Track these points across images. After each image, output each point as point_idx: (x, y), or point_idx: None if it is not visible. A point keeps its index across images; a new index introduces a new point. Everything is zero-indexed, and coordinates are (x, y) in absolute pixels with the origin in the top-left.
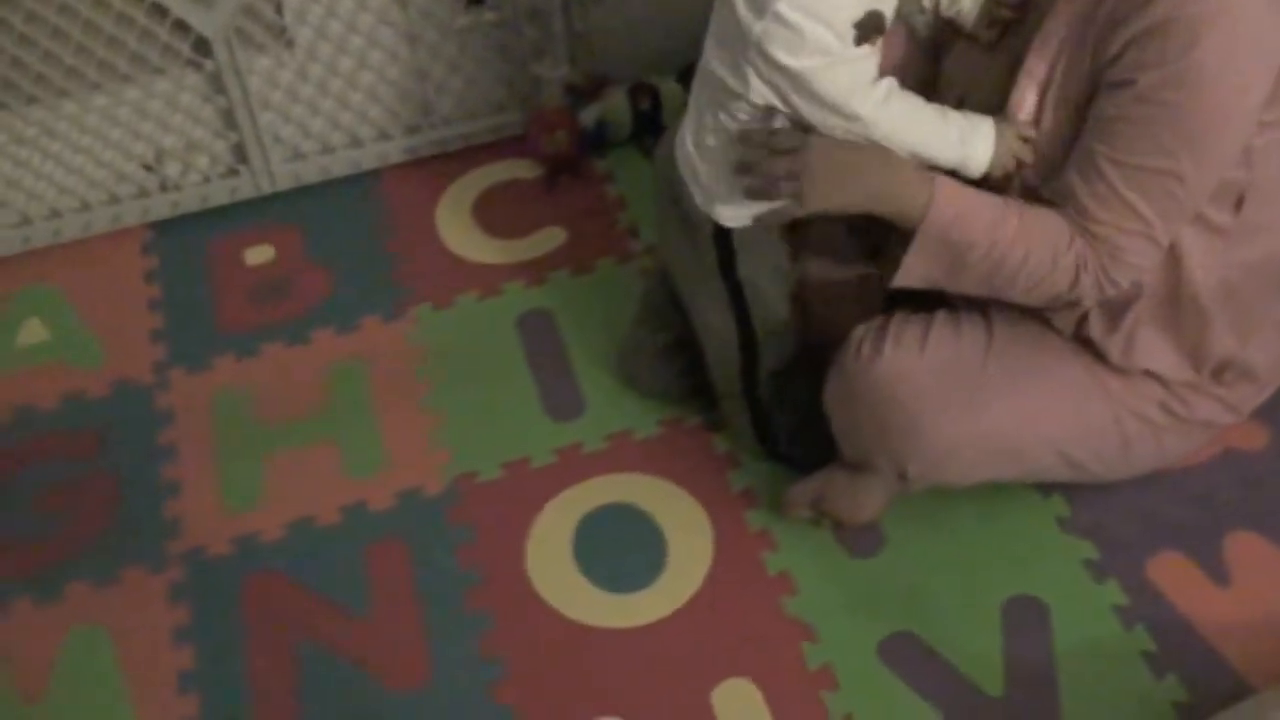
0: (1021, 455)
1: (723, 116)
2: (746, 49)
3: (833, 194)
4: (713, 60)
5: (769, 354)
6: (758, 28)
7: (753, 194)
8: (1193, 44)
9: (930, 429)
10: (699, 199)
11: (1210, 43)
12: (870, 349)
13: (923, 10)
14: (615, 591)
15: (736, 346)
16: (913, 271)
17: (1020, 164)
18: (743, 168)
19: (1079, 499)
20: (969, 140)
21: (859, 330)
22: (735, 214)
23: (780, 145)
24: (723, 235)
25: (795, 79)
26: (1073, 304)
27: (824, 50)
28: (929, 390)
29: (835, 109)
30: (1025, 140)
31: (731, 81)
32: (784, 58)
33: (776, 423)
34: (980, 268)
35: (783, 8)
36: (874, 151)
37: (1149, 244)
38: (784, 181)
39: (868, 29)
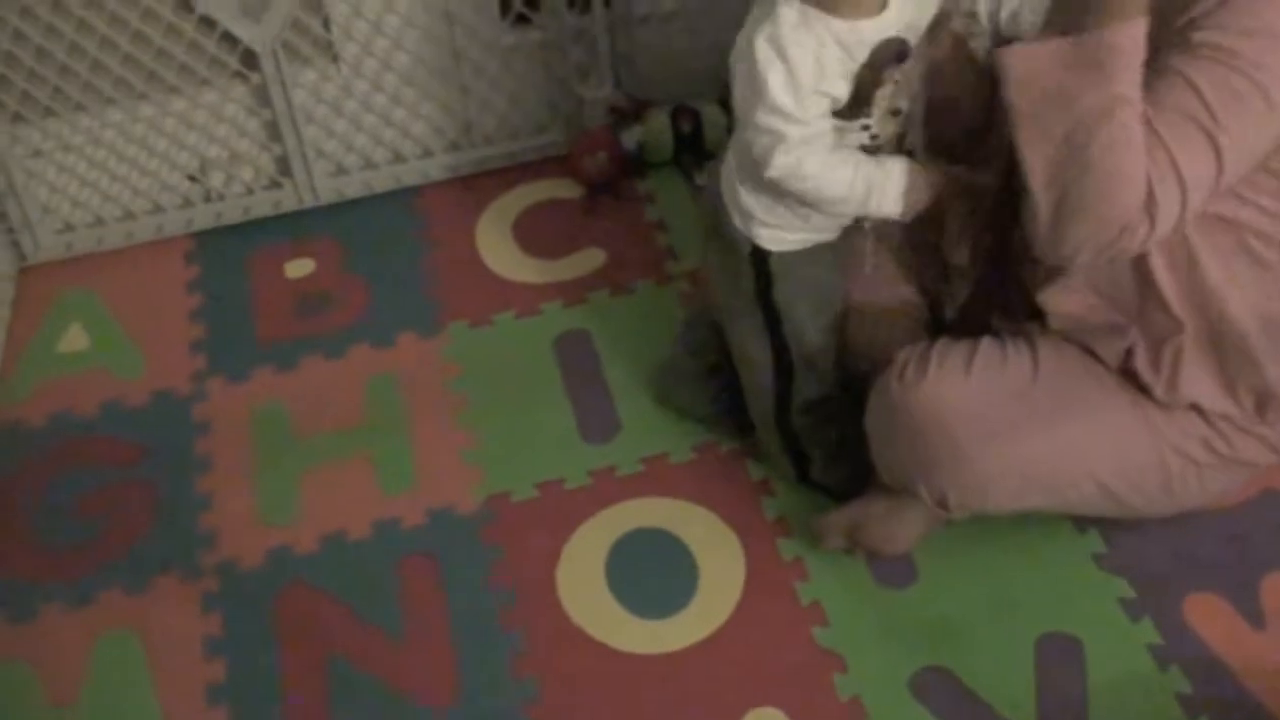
0: (1063, 486)
1: None
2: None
3: None
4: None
5: (805, 384)
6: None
7: None
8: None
9: (972, 455)
10: (738, 221)
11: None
12: (914, 372)
13: (981, 32)
14: (646, 616)
15: (772, 375)
16: (1044, 60)
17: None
18: None
19: (1115, 536)
20: (875, 193)
21: (903, 353)
22: (773, 236)
23: None
24: (761, 260)
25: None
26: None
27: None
28: (973, 415)
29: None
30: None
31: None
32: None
33: (811, 452)
34: (1094, 102)
35: (758, 41)
36: None
37: (1175, 204)
38: None
39: (885, 58)
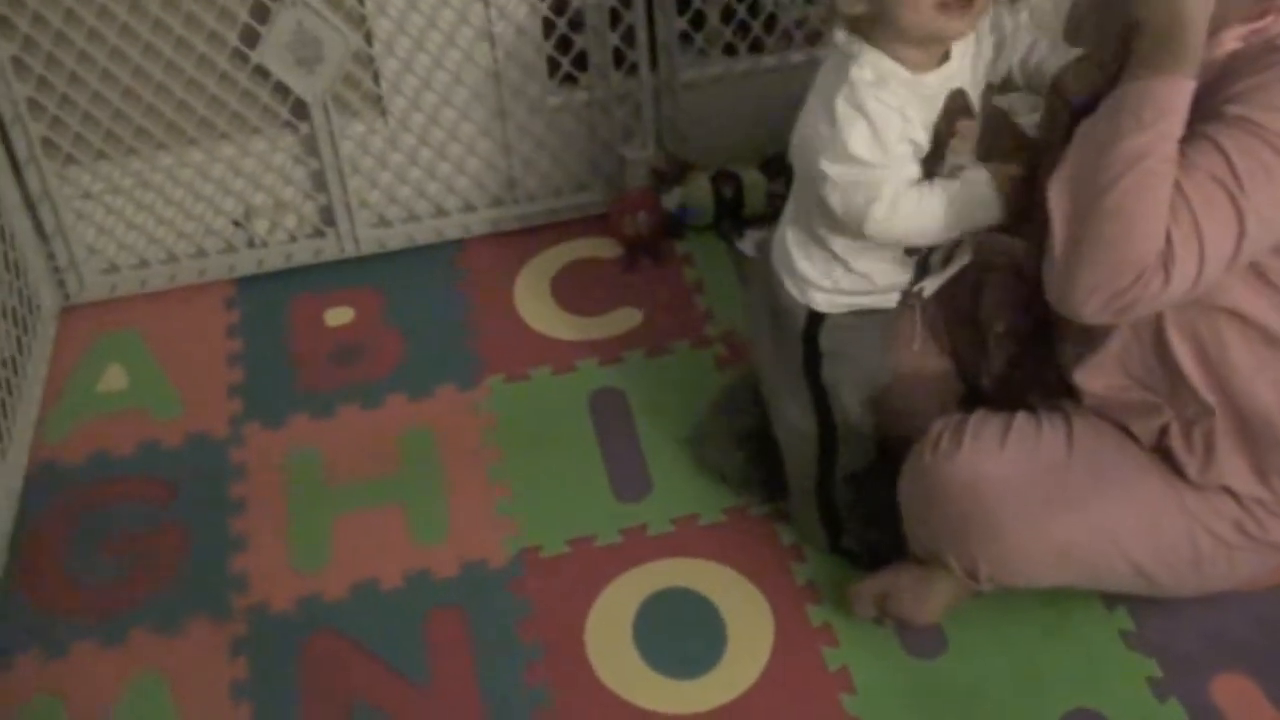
0: (1094, 562)
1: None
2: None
3: None
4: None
5: (848, 457)
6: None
7: None
8: None
9: (1005, 529)
10: (792, 289)
11: None
12: (949, 444)
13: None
14: (673, 677)
15: (815, 447)
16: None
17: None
18: None
19: (1145, 614)
20: (972, 208)
21: (937, 424)
22: (829, 300)
23: None
24: (811, 338)
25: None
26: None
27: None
28: (1006, 489)
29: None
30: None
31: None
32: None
33: (846, 522)
34: (1129, 145)
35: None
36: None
37: (1193, 266)
38: None
39: (956, 110)
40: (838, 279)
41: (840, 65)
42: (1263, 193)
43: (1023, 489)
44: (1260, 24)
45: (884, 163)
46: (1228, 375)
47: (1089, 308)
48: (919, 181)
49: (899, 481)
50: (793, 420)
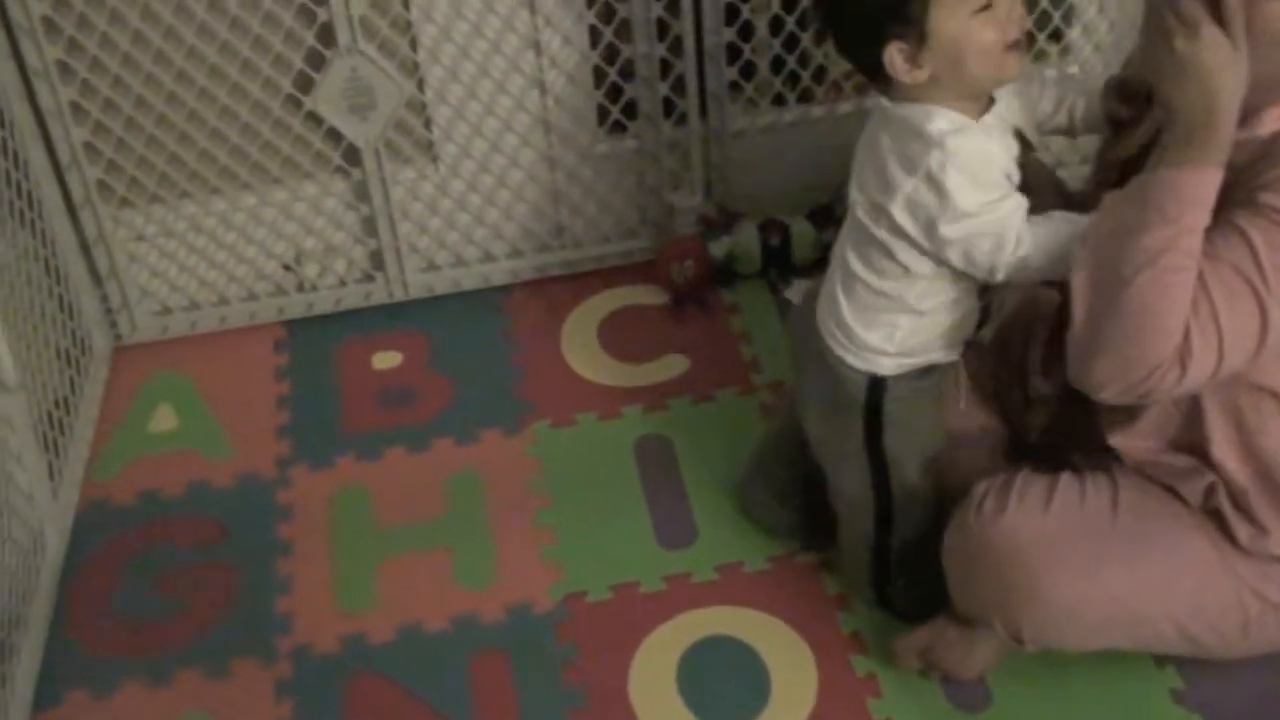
0: (1139, 625)
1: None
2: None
3: (1183, 74)
4: (863, 217)
5: (905, 526)
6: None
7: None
8: None
9: (1049, 592)
10: (853, 360)
11: None
12: (993, 506)
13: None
14: None
15: (872, 517)
16: (1118, 196)
17: None
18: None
19: (1194, 672)
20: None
21: (981, 485)
22: (897, 363)
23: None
24: (874, 405)
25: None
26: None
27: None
28: (1051, 553)
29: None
30: None
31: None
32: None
33: (895, 580)
34: (1152, 236)
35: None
36: (1234, 98)
37: (1211, 361)
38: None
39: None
40: (903, 339)
41: (908, 129)
42: None
43: (1066, 555)
44: None
45: (995, 202)
46: (1260, 449)
47: (1105, 393)
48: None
49: (943, 544)
50: (850, 491)
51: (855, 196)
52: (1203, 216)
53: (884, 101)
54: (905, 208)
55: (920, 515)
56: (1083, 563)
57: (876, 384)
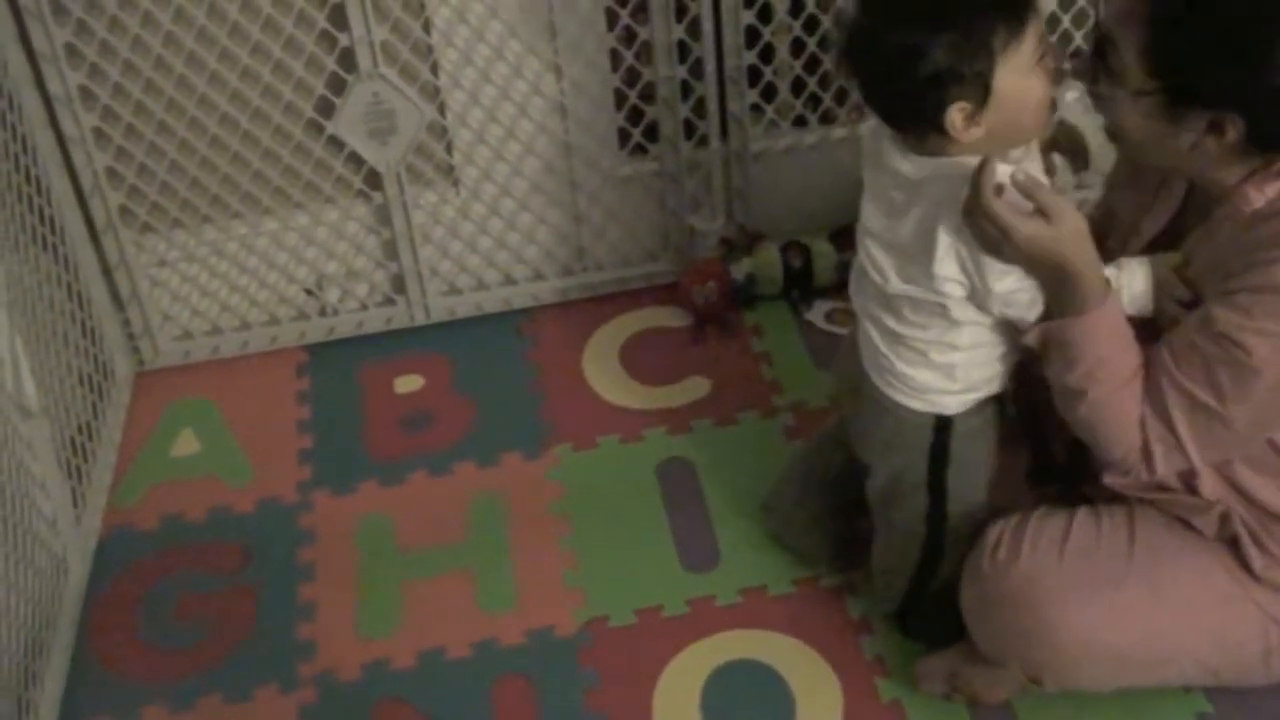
0: (1159, 665)
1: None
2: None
3: (1029, 262)
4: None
5: (953, 556)
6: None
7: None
8: None
9: (1066, 639)
10: (914, 403)
11: None
12: (1007, 552)
13: None
14: None
15: (921, 551)
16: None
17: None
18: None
19: (1221, 696)
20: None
21: (995, 529)
22: (961, 400)
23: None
24: (940, 444)
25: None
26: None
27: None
28: (1067, 600)
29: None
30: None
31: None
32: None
33: (922, 609)
34: (1068, 381)
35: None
36: (1083, 253)
37: (1180, 460)
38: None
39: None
40: (964, 375)
41: (955, 182)
42: (1250, 419)
43: (1083, 602)
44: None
45: None
46: (1243, 488)
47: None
48: None
49: (961, 588)
50: (904, 524)
51: (876, 257)
52: (1110, 345)
53: (912, 156)
54: (953, 258)
55: (968, 547)
56: (1100, 609)
57: (943, 423)
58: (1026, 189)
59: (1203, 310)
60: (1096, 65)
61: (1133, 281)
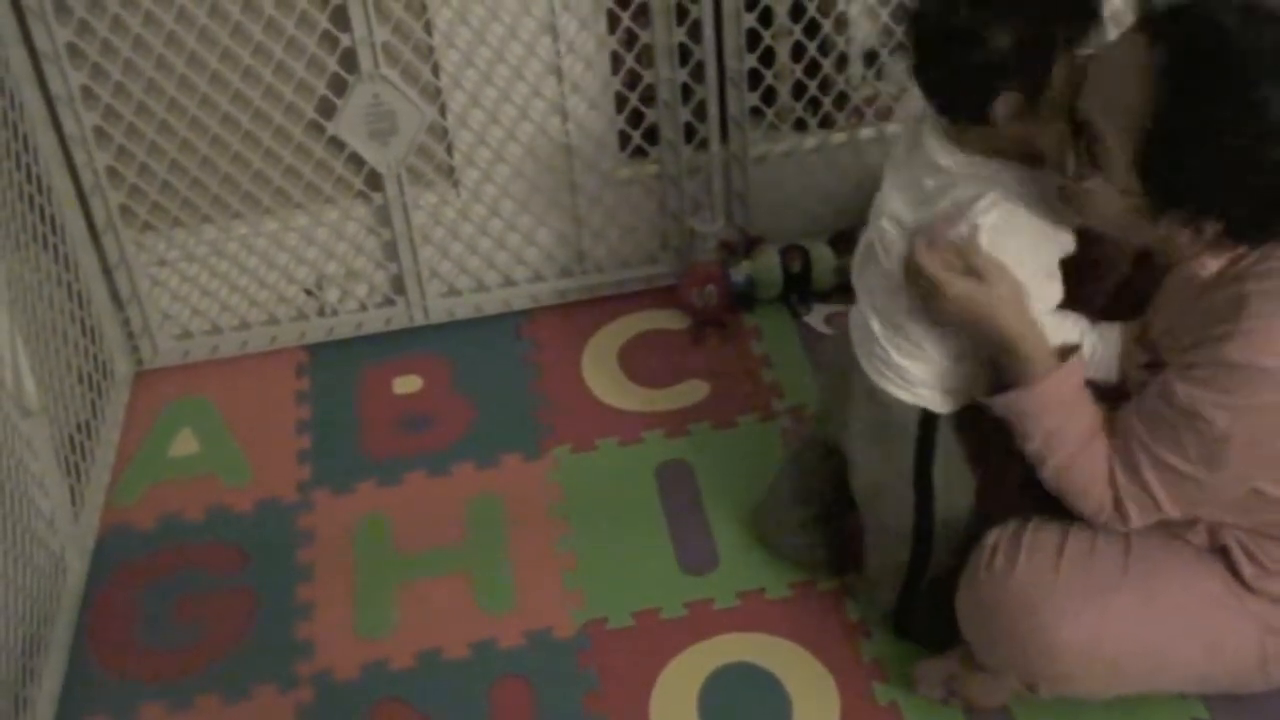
0: (1155, 673)
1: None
2: None
3: (963, 324)
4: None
5: (941, 558)
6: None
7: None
8: (1251, 393)
9: (1062, 648)
10: (907, 396)
11: (1267, 402)
12: (1004, 561)
13: None
14: None
15: (909, 549)
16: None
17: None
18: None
19: (1219, 702)
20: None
21: (991, 536)
22: (952, 399)
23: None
24: (926, 442)
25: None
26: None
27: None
28: (1062, 608)
29: None
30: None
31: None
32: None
33: (919, 609)
34: (1027, 449)
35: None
36: (1019, 320)
37: (1157, 515)
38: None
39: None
40: (956, 377)
41: (985, 185)
42: (1222, 481)
43: (1078, 610)
44: (1237, 252)
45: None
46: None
47: None
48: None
49: (957, 596)
50: (890, 521)
51: (890, 240)
52: (1060, 415)
53: (953, 149)
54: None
55: (957, 546)
56: (1095, 617)
57: (929, 416)
58: (959, 248)
59: (1164, 380)
60: (1077, 150)
61: (1107, 347)
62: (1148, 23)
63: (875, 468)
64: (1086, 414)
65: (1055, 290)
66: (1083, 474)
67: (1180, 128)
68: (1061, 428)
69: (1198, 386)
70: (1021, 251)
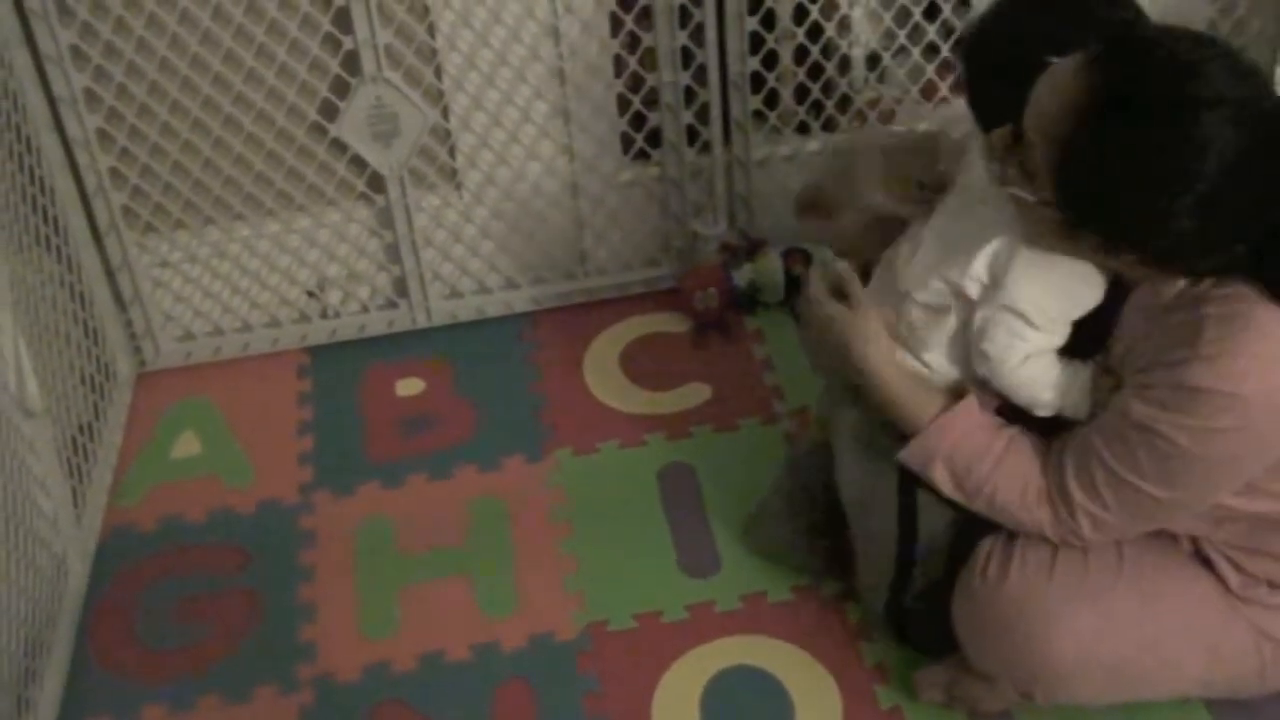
0: (1151, 681)
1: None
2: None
3: (830, 368)
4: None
5: (924, 571)
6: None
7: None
8: (1209, 416)
9: (1056, 657)
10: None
11: (1226, 426)
12: (997, 570)
13: None
14: None
15: (893, 561)
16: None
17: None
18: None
19: (1222, 706)
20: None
21: (985, 544)
22: None
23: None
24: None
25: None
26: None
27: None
28: (1056, 616)
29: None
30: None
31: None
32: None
33: (913, 616)
34: (948, 485)
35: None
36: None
37: (1110, 533)
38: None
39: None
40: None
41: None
42: (1179, 501)
43: (1072, 618)
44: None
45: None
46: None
47: None
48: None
49: (952, 605)
50: (878, 530)
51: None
52: (967, 453)
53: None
54: (986, 260)
55: (942, 557)
56: (1091, 622)
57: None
58: (837, 278)
59: (1122, 399)
60: (1015, 155)
61: (1078, 383)
62: (1096, 45)
63: (864, 480)
64: (988, 456)
65: (1059, 338)
66: (1001, 504)
67: (1093, 144)
68: (969, 460)
69: (1154, 406)
70: (1048, 290)
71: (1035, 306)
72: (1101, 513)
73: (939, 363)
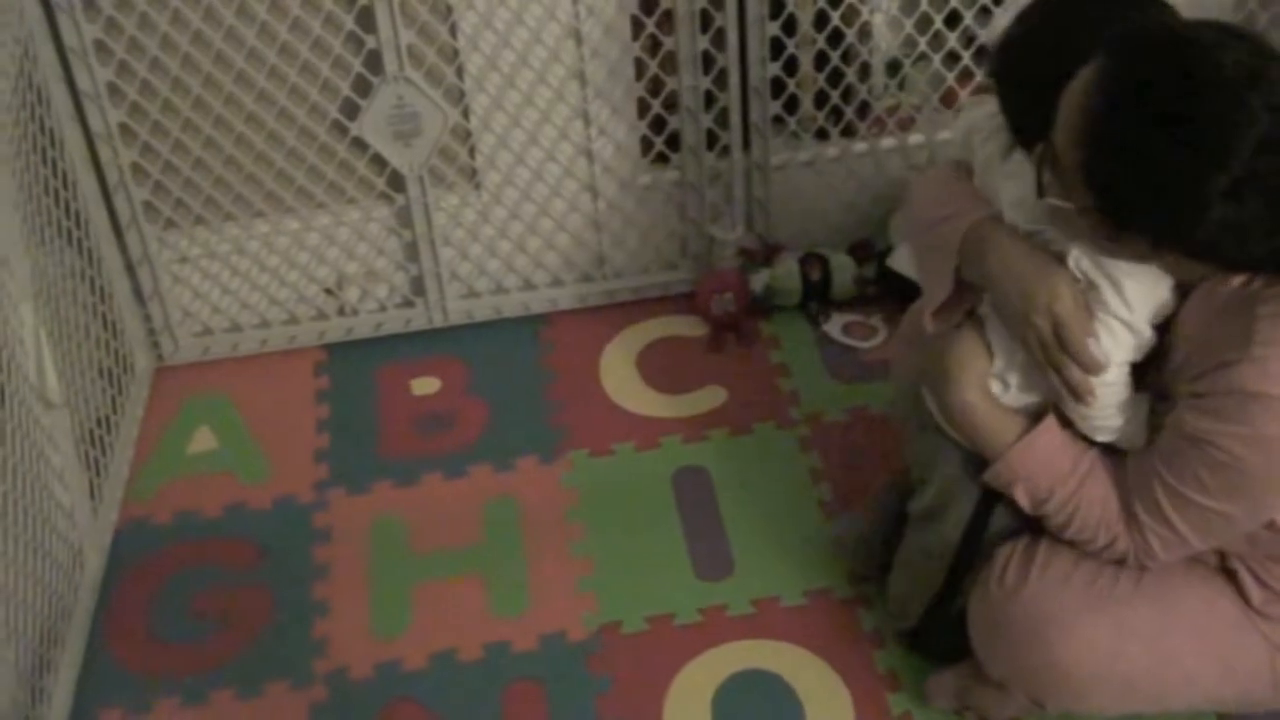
0: (1164, 694)
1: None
2: None
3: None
4: None
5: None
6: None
7: None
8: (1262, 423)
9: (1071, 667)
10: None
11: (1277, 434)
12: (1015, 576)
13: None
14: None
15: (946, 568)
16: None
17: None
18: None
19: (1233, 716)
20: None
21: (1004, 550)
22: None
23: None
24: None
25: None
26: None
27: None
28: (1073, 626)
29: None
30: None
31: None
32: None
33: (937, 628)
34: (1027, 505)
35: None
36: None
37: (1182, 550)
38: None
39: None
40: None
41: None
42: (1246, 513)
43: (1088, 629)
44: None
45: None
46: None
47: None
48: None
49: (968, 610)
50: (938, 543)
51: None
52: (1042, 475)
53: None
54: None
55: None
56: (1105, 637)
57: None
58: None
59: (1177, 414)
60: (1054, 171)
61: (1137, 415)
62: (1111, 41)
63: (944, 480)
64: (1070, 478)
65: (1144, 340)
66: (1076, 532)
67: (1121, 137)
68: (1050, 484)
69: (1208, 417)
70: (1140, 293)
71: (1125, 303)
72: (1168, 533)
73: (1016, 383)
